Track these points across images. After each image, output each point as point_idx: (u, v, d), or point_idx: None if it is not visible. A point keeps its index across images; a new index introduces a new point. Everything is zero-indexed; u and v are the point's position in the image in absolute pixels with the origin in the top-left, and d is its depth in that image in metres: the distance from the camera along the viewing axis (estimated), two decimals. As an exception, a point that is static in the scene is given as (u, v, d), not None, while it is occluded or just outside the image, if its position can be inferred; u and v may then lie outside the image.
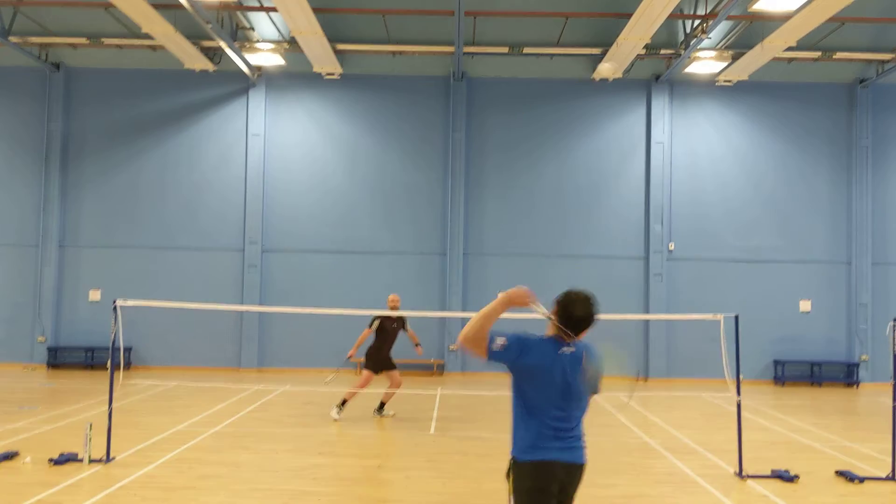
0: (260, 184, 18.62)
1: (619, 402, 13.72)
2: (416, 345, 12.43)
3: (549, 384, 3.99)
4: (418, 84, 18.83)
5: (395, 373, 12.09)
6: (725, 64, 17.38)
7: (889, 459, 8.55)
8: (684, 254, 18.47)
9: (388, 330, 11.95)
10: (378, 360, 11.98)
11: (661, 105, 18.61)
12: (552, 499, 3.97)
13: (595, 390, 4.18)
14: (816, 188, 18.66)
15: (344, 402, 11.82)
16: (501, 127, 18.81)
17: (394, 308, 12.05)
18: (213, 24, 14.90)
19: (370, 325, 11.96)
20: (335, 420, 11.59)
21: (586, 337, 4.18)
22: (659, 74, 18.50)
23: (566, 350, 4.05)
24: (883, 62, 17.90)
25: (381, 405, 12.28)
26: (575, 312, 4.07)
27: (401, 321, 12.12)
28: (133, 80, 18.89)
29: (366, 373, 12.01)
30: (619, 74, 17.99)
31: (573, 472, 4.03)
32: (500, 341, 3.95)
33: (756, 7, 14.07)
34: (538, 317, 4.12)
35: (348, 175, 18.85)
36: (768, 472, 8.48)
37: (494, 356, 3.97)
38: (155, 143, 18.90)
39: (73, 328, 18.55)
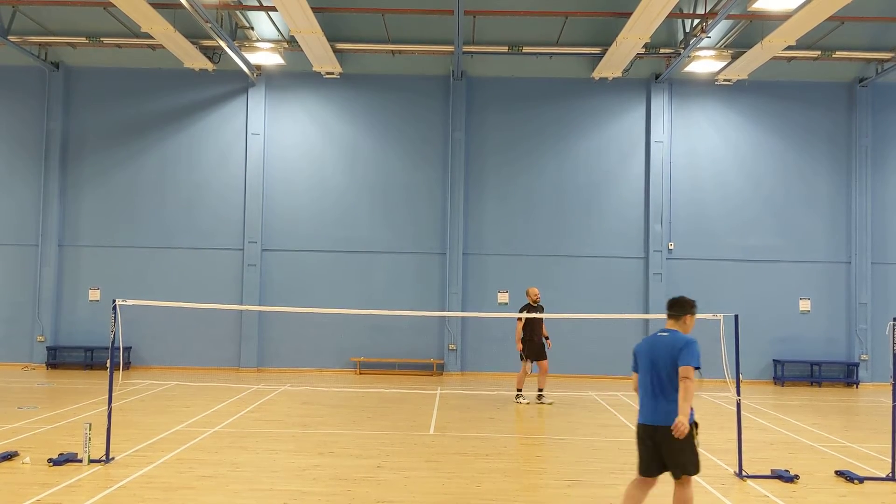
0: (259, 183, 18.61)
1: (618, 402, 13.76)
2: (546, 338, 13.78)
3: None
4: (418, 83, 18.82)
5: (544, 362, 13.71)
6: (725, 63, 17.37)
7: (889, 459, 8.55)
8: (684, 253, 18.46)
9: (534, 321, 13.45)
10: (531, 349, 13.56)
11: (660, 104, 18.60)
12: None
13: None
14: (816, 187, 18.65)
15: (519, 391, 13.72)
16: (501, 126, 18.80)
17: (535, 301, 13.66)
18: (212, 23, 14.90)
19: (520, 320, 13.61)
20: (527, 403, 13.51)
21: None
22: (658, 73, 18.49)
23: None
24: (882, 61, 17.90)
25: (540, 392, 13.75)
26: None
27: (540, 311, 13.67)
28: (132, 79, 18.87)
29: (524, 363, 13.73)
30: (618, 73, 18.00)
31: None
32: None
33: (756, 6, 14.08)
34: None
35: (348, 174, 18.84)
36: (768, 472, 8.48)
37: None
38: (154, 143, 18.89)
39: (73, 328, 18.54)
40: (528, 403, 13.52)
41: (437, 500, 7.30)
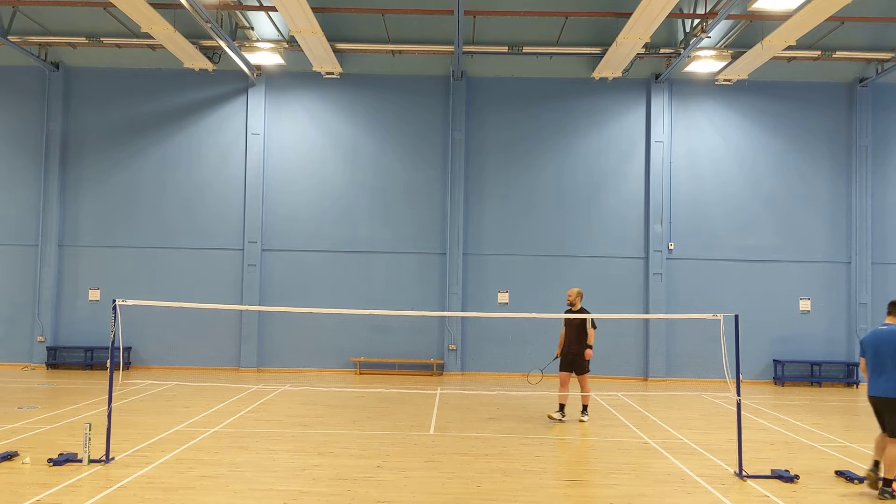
0: (259, 183, 18.61)
1: (618, 402, 13.75)
2: (589, 346, 11.87)
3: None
4: (418, 83, 18.82)
5: (584, 377, 11.88)
6: (725, 63, 17.36)
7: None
8: (684, 253, 18.46)
9: (568, 328, 11.99)
10: (562, 359, 12.03)
11: (660, 104, 18.60)
12: None
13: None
14: (816, 187, 18.65)
15: (585, 408, 11.97)
16: (501, 126, 18.80)
17: (570, 304, 12.05)
18: (212, 23, 14.90)
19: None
20: (586, 421, 11.81)
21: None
22: (658, 74, 18.49)
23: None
24: (882, 61, 17.89)
25: (583, 407, 12.02)
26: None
27: (580, 313, 11.87)
28: (132, 79, 18.88)
29: (560, 374, 12.04)
30: (618, 73, 17.99)
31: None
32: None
33: (756, 6, 14.06)
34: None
35: (348, 174, 18.84)
36: (768, 472, 8.48)
37: None
38: (154, 143, 18.89)
39: (73, 328, 18.54)
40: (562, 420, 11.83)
41: (437, 500, 7.30)
